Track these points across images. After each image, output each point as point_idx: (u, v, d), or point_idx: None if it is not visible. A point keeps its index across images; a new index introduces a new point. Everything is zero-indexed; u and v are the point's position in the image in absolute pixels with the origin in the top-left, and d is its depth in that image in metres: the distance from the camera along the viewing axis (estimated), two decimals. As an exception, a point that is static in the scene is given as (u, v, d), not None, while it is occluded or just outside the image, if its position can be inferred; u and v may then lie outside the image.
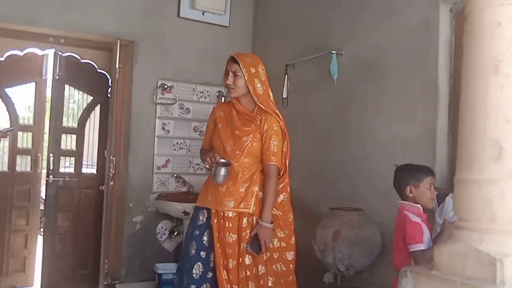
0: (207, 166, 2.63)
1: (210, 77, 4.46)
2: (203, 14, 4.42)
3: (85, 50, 4.34)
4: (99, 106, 4.49)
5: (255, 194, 2.56)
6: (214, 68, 4.44)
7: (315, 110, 3.77)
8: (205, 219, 2.61)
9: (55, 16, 3.90)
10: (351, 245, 2.77)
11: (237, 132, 2.60)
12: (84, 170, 4.45)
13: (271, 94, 2.68)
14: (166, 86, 4.29)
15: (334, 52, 3.47)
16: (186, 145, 4.41)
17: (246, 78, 2.56)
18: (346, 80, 3.45)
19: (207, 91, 4.52)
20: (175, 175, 4.33)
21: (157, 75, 4.28)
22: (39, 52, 4.27)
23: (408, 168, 2.46)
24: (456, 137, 2.71)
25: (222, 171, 2.53)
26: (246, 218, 2.54)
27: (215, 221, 2.55)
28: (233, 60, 2.60)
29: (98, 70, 4.39)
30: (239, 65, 2.56)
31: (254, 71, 2.60)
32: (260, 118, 2.59)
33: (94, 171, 4.48)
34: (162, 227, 4.29)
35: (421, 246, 2.37)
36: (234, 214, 2.54)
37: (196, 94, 4.48)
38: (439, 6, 2.74)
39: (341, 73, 3.45)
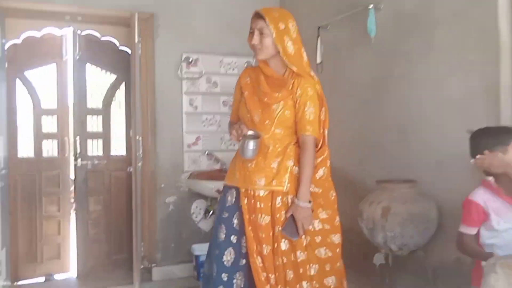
0: (234, 139, 2.35)
1: (236, 47, 4.17)
2: (226, -21, 4.11)
3: (105, 27, 4.11)
4: (123, 84, 4.27)
5: (289, 169, 2.25)
6: (240, 37, 4.08)
7: (353, 74, 3.46)
8: (234, 200, 2.34)
9: (70, -8, 3.69)
10: (403, 222, 2.48)
11: (265, 99, 2.28)
12: (113, 152, 4.27)
13: (304, 54, 2.32)
14: (191, 60, 4.04)
15: (371, 6, 3.13)
16: (216, 121, 4.17)
17: (274, 36, 2.21)
18: (385, 38, 3.11)
19: (235, 62, 4.24)
20: (206, 152, 4.11)
21: (180, 48, 4.03)
22: (57, 32, 4.06)
23: (488, 131, 2.10)
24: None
25: (251, 144, 2.23)
26: (280, 197, 2.24)
27: (245, 201, 2.27)
28: (258, 16, 2.25)
29: (120, 47, 4.16)
30: (265, 21, 2.21)
31: (284, 27, 2.23)
32: (292, 82, 2.26)
33: (123, 152, 4.29)
34: (196, 207, 4.10)
35: (465, 229, 2.07)
36: (266, 193, 2.24)
37: (223, 66, 4.21)
38: None
39: (380, 30, 3.11)
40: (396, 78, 3.05)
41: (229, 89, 4.18)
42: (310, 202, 2.22)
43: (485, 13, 2.44)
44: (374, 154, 3.21)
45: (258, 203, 2.24)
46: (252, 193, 2.26)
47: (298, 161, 2.26)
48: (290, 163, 2.27)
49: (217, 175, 4.01)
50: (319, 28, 3.68)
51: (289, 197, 2.24)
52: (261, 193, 2.25)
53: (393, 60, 3.08)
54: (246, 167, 2.29)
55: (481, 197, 2.03)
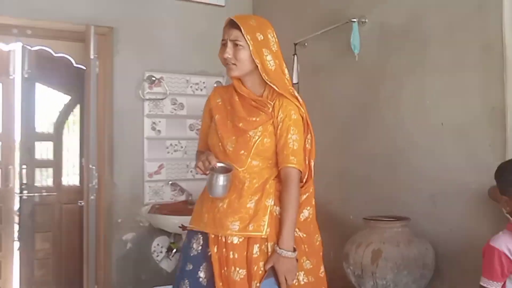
0: (200, 173, 1.93)
1: (205, 66, 3.81)
2: (194, -9, 3.77)
3: (59, 42, 3.71)
4: (78, 107, 3.84)
5: (269, 210, 1.82)
6: (209, 55, 3.72)
7: (334, 97, 3.09)
8: (200, 248, 1.89)
9: (16, 2, 3.27)
10: (396, 268, 2.09)
11: (240, 124, 1.87)
12: (65, 182, 3.81)
13: (286, 71, 1.94)
14: (154, 79, 3.63)
15: (355, 20, 2.80)
16: (181, 147, 3.76)
17: (251, 48, 1.83)
18: (371, 55, 2.78)
19: (203, 82, 3.86)
20: (170, 182, 3.68)
21: (143, 66, 3.63)
22: (3, 47, 3.63)
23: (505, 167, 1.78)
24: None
25: (221, 180, 1.81)
26: (257, 245, 1.80)
27: (215, 250, 1.83)
28: (231, 24, 1.87)
29: (75, 65, 3.75)
30: (241, 31, 1.84)
31: (262, 38, 1.87)
32: (272, 103, 1.87)
33: (77, 182, 3.83)
34: (158, 245, 3.64)
35: (487, 284, 1.68)
36: (241, 239, 1.82)
37: (191, 86, 3.81)
38: None
39: (365, 46, 2.77)
40: (383, 101, 2.70)
41: (196, 112, 3.77)
42: (294, 250, 1.79)
43: (488, 26, 2.11)
44: (359, 187, 2.83)
45: (231, 252, 1.79)
46: (224, 240, 1.82)
47: (280, 200, 1.84)
48: (270, 202, 1.84)
49: (182, 208, 3.59)
50: (295, 44, 3.34)
51: (269, 244, 1.80)
52: (235, 240, 1.81)
53: (379, 80, 2.73)
54: (216, 207, 1.86)
55: (506, 243, 1.64)
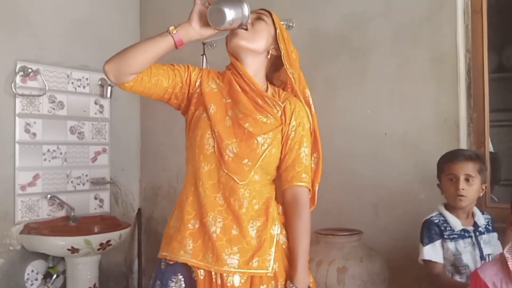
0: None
1: (89, 60, 3.30)
2: (77, -28, 3.23)
3: None
4: None
5: (275, 240, 1.49)
6: (93, 48, 3.31)
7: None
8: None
9: None
10: (363, 285, 1.99)
11: (247, 125, 1.51)
12: None
13: (301, 73, 1.68)
14: (30, 71, 2.99)
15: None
16: (61, 153, 3.17)
17: (278, 30, 1.57)
18: (301, 59, 2.65)
19: (86, 79, 3.33)
20: (48, 196, 3.06)
21: (14, 55, 2.97)
22: None
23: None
24: (479, 129, 2.14)
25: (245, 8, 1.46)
26: (264, 286, 1.46)
27: None
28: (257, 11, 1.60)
29: None
30: (270, 14, 1.61)
31: (287, 36, 1.64)
32: (283, 105, 1.56)
33: None
34: (32, 271, 2.99)
35: None
36: (243, 280, 1.44)
37: (72, 82, 3.25)
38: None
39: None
40: (315, 107, 2.60)
41: (78, 112, 3.27)
42: None
43: (441, 38, 2.17)
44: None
45: None
46: (220, 280, 1.43)
47: (288, 226, 1.54)
48: (276, 229, 1.50)
49: (64, 227, 3.03)
50: (204, 44, 3.06)
51: (279, 283, 1.47)
52: (236, 280, 1.43)
53: (310, 86, 2.62)
54: (207, 232, 1.45)
55: (492, 276, 1.58)
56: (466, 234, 1.85)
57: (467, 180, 1.83)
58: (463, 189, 1.82)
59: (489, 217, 1.94)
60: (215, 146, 1.50)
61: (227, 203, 1.48)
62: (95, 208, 3.35)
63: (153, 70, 1.50)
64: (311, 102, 1.67)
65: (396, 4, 2.31)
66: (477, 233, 1.86)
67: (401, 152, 2.29)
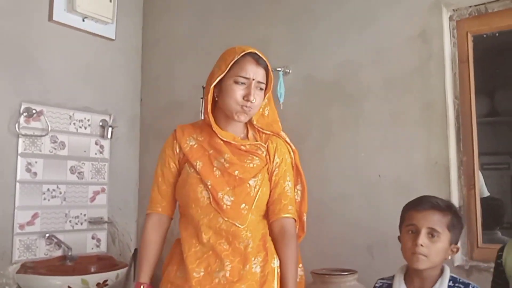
0: None
1: (91, 102, 3.41)
2: (83, 20, 3.37)
3: None
4: None
5: (276, 273, 1.60)
6: (95, 91, 3.42)
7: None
8: None
9: None
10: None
11: (236, 172, 1.63)
12: None
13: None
14: (34, 112, 3.08)
15: (280, 69, 2.78)
16: (60, 192, 3.22)
17: (268, 90, 1.73)
18: (295, 105, 2.77)
19: (88, 120, 3.41)
20: (47, 235, 3.09)
21: (20, 96, 3.06)
22: None
23: None
24: (469, 172, 2.22)
25: None
26: None
27: None
28: (258, 61, 1.67)
29: None
30: (268, 70, 1.70)
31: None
32: (266, 145, 1.69)
33: None
34: (28, 313, 2.98)
35: None
36: None
37: (74, 123, 3.34)
38: (441, 12, 2.23)
39: (288, 96, 2.76)
40: (311, 151, 2.69)
41: (79, 152, 3.34)
42: None
43: (430, 86, 2.28)
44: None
45: None
46: None
47: (278, 256, 1.65)
48: (276, 263, 1.62)
49: (61, 266, 3.04)
50: (203, 87, 3.17)
51: None
52: None
53: (306, 130, 2.73)
54: (216, 276, 1.55)
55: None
56: None
57: (430, 234, 1.51)
58: (422, 245, 1.50)
59: None
60: (210, 198, 1.60)
61: (232, 247, 1.58)
62: (92, 248, 3.37)
63: (170, 196, 1.72)
64: (288, 140, 1.80)
65: (387, 54, 2.43)
66: None
67: (394, 194, 2.35)
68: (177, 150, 1.70)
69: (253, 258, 1.59)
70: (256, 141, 1.71)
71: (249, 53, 1.67)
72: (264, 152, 1.68)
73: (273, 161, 1.68)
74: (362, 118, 2.50)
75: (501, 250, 1.67)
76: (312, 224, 2.58)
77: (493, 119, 3.24)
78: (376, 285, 1.66)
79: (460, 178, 2.21)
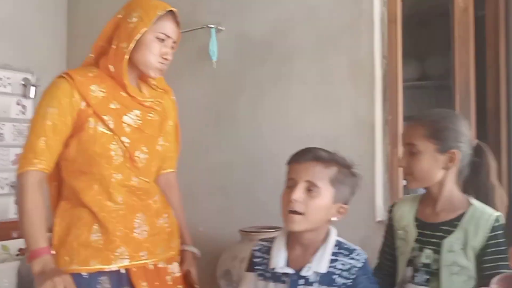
0: None
1: (10, 58, 3.17)
2: (-1, -31, 3.12)
3: None
4: None
5: (175, 221, 1.80)
6: (15, 46, 3.18)
7: (191, 103, 2.86)
8: None
9: None
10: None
11: (147, 129, 1.64)
12: None
13: None
14: None
15: (212, 26, 2.70)
16: (-22, 157, 3.02)
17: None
18: (229, 63, 2.71)
19: (8, 78, 3.19)
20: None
21: None
22: None
23: None
24: (394, 131, 2.27)
25: None
26: (176, 262, 1.72)
27: (144, 284, 1.54)
28: (177, 20, 1.67)
29: None
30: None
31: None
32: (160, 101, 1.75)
33: None
34: None
35: None
36: (166, 263, 1.69)
37: (-8, 82, 3.12)
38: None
39: (221, 55, 2.70)
40: (245, 108, 2.65)
41: (-1, 113, 3.12)
42: None
43: (359, 45, 2.28)
44: (213, 198, 2.71)
45: (168, 278, 1.64)
46: (153, 267, 1.62)
47: (171, 202, 1.82)
48: (173, 212, 1.77)
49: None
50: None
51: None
52: (160, 264, 1.66)
53: (238, 89, 2.69)
54: (133, 233, 1.58)
55: None
56: (282, 277, 1.33)
57: (308, 190, 1.31)
58: (296, 200, 1.29)
59: (357, 264, 1.31)
60: (124, 156, 1.56)
61: (144, 203, 1.62)
62: (15, 213, 3.21)
63: (57, 153, 1.54)
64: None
65: (318, 12, 2.41)
66: (299, 282, 1.30)
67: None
68: (78, 101, 1.53)
69: (162, 214, 1.68)
70: (152, 97, 1.71)
71: (171, 11, 1.63)
72: (160, 109, 1.72)
73: (167, 118, 1.74)
74: (294, 76, 2.47)
75: (393, 206, 1.66)
76: (246, 183, 2.61)
77: (422, 82, 3.35)
78: (255, 247, 1.45)
79: (385, 136, 2.27)
